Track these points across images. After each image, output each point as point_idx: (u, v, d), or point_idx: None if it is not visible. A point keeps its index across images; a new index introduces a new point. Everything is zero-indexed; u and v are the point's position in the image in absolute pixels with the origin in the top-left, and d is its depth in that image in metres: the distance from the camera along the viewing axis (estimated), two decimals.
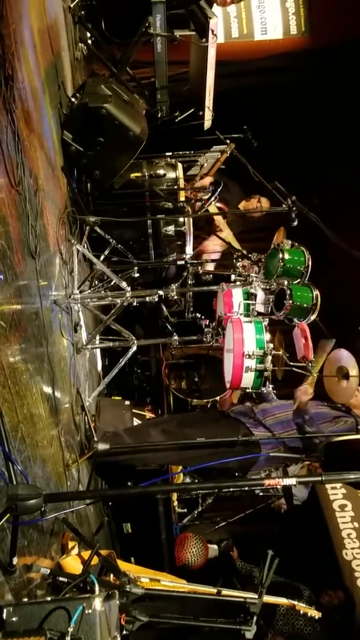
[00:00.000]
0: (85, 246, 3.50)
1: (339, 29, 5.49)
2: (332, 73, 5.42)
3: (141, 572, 2.76)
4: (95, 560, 2.29)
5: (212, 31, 3.83)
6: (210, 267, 4.25)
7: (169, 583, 2.62)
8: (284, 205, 3.45)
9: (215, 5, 4.23)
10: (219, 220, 4.45)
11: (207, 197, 4.10)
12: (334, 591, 3.97)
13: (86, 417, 3.24)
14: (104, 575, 2.30)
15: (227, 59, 4.90)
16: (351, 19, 5.39)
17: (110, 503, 3.73)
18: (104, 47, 4.00)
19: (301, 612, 2.83)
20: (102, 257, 3.68)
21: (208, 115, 4.13)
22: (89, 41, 3.97)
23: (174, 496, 4.24)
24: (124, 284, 3.27)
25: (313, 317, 3.21)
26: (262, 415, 3.37)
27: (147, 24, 3.76)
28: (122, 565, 2.64)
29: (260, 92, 5.23)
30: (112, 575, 2.28)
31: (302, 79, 5.44)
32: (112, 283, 3.46)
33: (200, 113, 4.15)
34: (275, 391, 3.22)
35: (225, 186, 4.35)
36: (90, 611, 1.59)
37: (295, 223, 3.46)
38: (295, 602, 2.78)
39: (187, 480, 4.27)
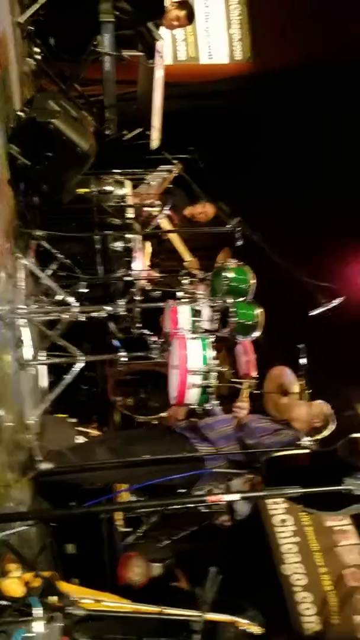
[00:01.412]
0: (32, 260, 3.46)
1: (281, 56, 5.72)
2: (276, 98, 5.63)
3: (84, 593, 2.70)
4: (37, 582, 2.24)
5: (159, 53, 3.91)
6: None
7: (112, 603, 2.59)
8: (228, 226, 3.54)
9: (162, 27, 4.34)
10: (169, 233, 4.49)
11: (155, 214, 4.15)
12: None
13: (29, 436, 3.17)
14: (46, 598, 2.24)
15: (174, 80, 5.01)
16: (293, 46, 5.64)
17: (53, 523, 3.65)
18: (53, 63, 4.01)
19: (243, 628, 2.85)
20: (48, 272, 3.64)
21: (155, 135, 4.19)
22: (38, 56, 3.97)
23: (118, 515, 4.19)
24: (70, 299, 3.25)
25: (257, 335, 3.29)
26: (206, 430, 3.40)
27: (95, 43, 3.81)
28: (65, 586, 2.58)
29: (206, 115, 5.37)
30: (54, 597, 2.23)
31: (246, 103, 5.63)
32: (58, 298, 3.42)
33: (148, 132, 4.21)
34: (220, 407, 3.26)
35: (171, 193, 4.41)
36: (31, 634, 1.55)
37: (240, 243, 3.55)
38: (237, 619, 2.80)
39: (132, 498, 4.23)
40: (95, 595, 2.68)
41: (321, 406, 3.36)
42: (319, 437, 3.16)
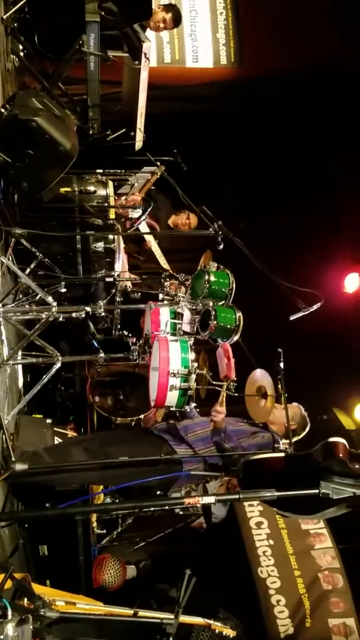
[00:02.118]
0: (10, 259, 3.42)
1: (266, 62, 5.77)
2: (259, 104, 5.68)
3: (57, 595, 2.68)
4: (8, 584, 2.21)
5: (145, 54, 3.91)
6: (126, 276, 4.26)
7: (85, 606, 2.57)
8: (210, 229, 3.55)
9: (148, 29, 4.34)
10: (149, 238, 4.50)
11: (137, 215, 4.14)
12: None
13: (4, 436, 3.14)
14: (18, 599, 2.21)
15: (159, 82, 5.01)
16: (279, 53, 5.69)
17: (26, 525, 3.61)
18: (36, 60, 3.98)
19: (216, 631, 2.85)
20: (27, 271, 3.60)
21: (139, 137, 4.19)
22: (21, 53, 3.94)
23: (94, 517, 4.17)
24: (49, 299, 3.22)
25: (236, 338, 3.31)
26: (184, 432, 3.40)
27: (80, 42, 3.79)
28: (37, 588, 2.55)
29: (190, 118, 5.38)
30: (25, 599, 2.20)
31: (230, 108, 5.66)
32: (37, 297, 3.40)
33: (132, 133, 4.20)
34: (198, 409, 3.27)
35: (154, 201, 4.41)
36: (1, 637, 1.53)
37: (221, 247, 3.56)
38: (211, 622, 2.79)
39: (108, 500, 4.21)
40: (69, 597, 2.65)
41: (297, 409, 3.39)
42: (294, 439, 3.19)
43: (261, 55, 5.81)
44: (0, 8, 3.63)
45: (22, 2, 3.59)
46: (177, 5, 4.83)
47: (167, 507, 4.09)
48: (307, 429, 3.36)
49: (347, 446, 1.92)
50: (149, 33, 4.31)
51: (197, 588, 2.40)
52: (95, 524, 4.28)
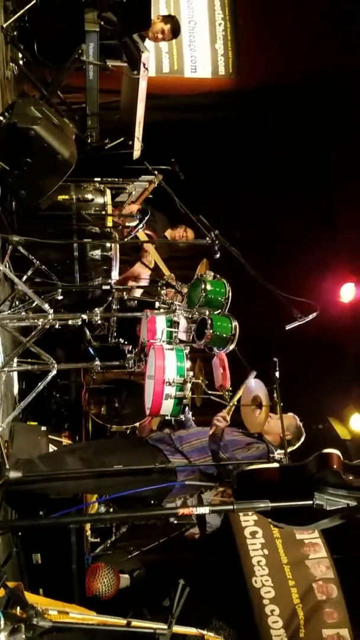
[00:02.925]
0: (7, 265, 3.42)
1: (264, 73, 5.82)
2: (257, 113, 5.72)
3: (50, 604, 2.66)
4: (1, 592, 2.20)
5: (144, 64, 3.94)
6: (137, 292, 4.29)
7: (78, 615, 2.55)
8: (207, 239, 3.56)
9: (147, 39, 4.38)
10: (148, 246, 4.51)
11: (134, 224, 4.16)
12: None
13: None
14: (10, 608, 2.20)
15: (158, 92, 5.05)
16: (276, 63, 5.74)
17: (19, 533, 3.59)
18: (36, 69, 4.01)
19: None
20: (24, 278, 3.61)
21: (137, 146, 4.21)
22: (21, 62, 3.96)
23: (88, 525, 4.15)
24: (46, 306, 3.22)
25: (232, 347, 3.31)
26: (179, 442, 3.40)
27: (80, 51, 3.82)
28: (30, 597, 2.54)
29: (188, 128, 5.41)
30: (18, 608, 2.19)
31: (228, 118, 5.70)
32: (34, 304, 3.40)
33: (130, 142, 4.23)
34: (194, 418, 3.27)
35: (152, 215, 4.43)
36: None
37: (218, 256, 3.58)
38: (204, 632, 2.78)
39: (102, 509, 4.19)
40: (62, 606, 2.64)
41: (292, 419, 3.39)
42: (289, 449, 3.19)
43: (259, 66, 5.87)
44: (0, 16, 3.65)
45: (22, 11, 3.62)
46: (176, 17, 4.85)
47: (161, 517, 4.09)
48: (302, 439, 3.36)
49: (341, 457, 1.92)
50: (148, 43, 4.34)
51: (191, 598, 2.39)
52: (89, 533, 4.26)
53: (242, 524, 4.47)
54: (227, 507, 1.92)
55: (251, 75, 5.90)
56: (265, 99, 5.71)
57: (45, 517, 3.20)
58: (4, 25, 3.64)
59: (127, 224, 4.22)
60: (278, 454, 3.12)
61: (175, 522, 4.50)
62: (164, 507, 3.29)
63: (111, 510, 4.11)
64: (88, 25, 3.71)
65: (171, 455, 3.29)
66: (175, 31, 4.54)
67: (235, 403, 3.26)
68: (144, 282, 4.56)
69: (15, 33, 3.76)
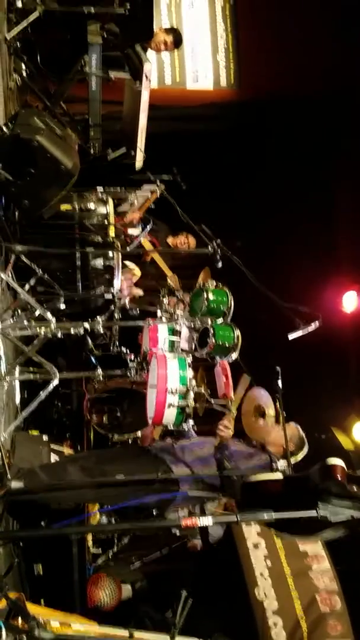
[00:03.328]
0: (10, 275, 3.43)
1: (265, 85, 5.87)
2: (257, 125, 5.76)
3: (51, 615, 2.65)
4: (2, 603, 2.18)
5: (146, 76, 3.97)
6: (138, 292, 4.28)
7: (80, 626, 2.53)
8: (209, 248, 3.57)
9: (149, 50, 4.41)
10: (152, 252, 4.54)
11: (136, 233, 4.17)
12: None
13: (0, 453, 3.12)
14: (12, 619, 2.18)
15: (160, 103, 5.09)
16: (277, 76, 5.79)
17: (21, 543, 3.57)
18: (39, 80, 4.04)
19: None
20: (27, 287, 3.62)
21: (140, 156, 4.24)
22: (24, 73, 3.99)
23: (89, 536, 4.12)
24: (48, 315, 3.23)
25: (234, 356, 3.30)
26: (181, 451, 3.38)
27: (83, 62, 3.85)
28: (32, 608, 2.52)
29: (190, 138, 5.45)
30: (20, 619, 2.17)
31: (229, 129, 5.74)
32: (36, 313, 3.40)
33: (132, 153, 4.25)
34: (195, 427, 3.25)
35: (154, 224, 4.44)
36: None
37: (220, 265, 3.58)
38: None
39: (104, 519, 4.17)
40: (64, 617, 2.62)
41: (295, 429, 3.38)
42: (293, 460, 3.16)
43: (260, 77, 5.92)
44: (4, 28, 3.69)
45: (25, 23, 3.65)
46: (178, 28, 4.90)
47: (164, 528, 4.06)
48: (305, 450, 3.34)
49: (345, 468, 1.91)
50: (150, 54, 4.38)
51: (193, 609, 2.37)
52: (90, 543, 4.24)
53: (244, 535, 4.44)
54: (231, 517, 1.91)
55: (252, 86, 5.95)
56: (266, 109, 5.75)
57: (46, 528, 3.19)
58: (8, 37, 3.68)
59: (129, 232, 4.23)
60: (281, 464, 3.10)
61: (178, 532, 4.49)
62: (166, 518, 3.26)
63: (113, 520, 4.09)
64: (91, 36, 3.75)
65: (174, 464, 3.27)
66: (177, 42, 4.58)
67: (235, 412, 3.24)
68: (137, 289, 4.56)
69: (18, 44, 3.81)
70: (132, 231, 4.27)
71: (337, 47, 5.67)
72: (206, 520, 1.87)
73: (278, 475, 2.37)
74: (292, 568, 4.29)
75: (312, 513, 1.84)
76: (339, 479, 1.86)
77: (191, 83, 5.95)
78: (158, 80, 5.73)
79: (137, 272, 4.45)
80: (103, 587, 3.90)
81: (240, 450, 3.34)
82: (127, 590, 4.22)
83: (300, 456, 3.30)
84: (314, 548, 4.39)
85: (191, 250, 4.55)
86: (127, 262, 4.41)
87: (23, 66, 3.96)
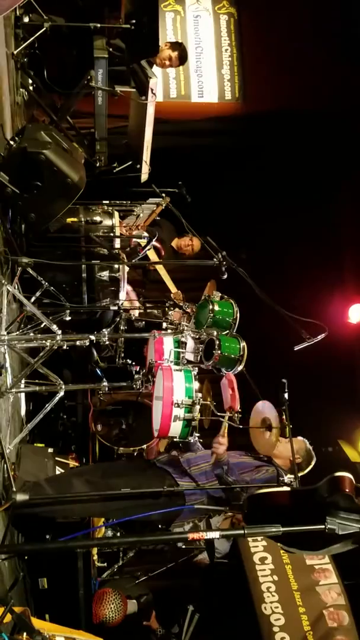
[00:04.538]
0: (16, 287, 3.44)
1: (270, 98, 5.91)
2: (263, 137, 5.79)
3: (56, 630, 2.62)
4: (7, 618, 2.16)
5: (152, 90, 4.01)
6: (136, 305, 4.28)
7: None
8: (214, 259, 3.58)
9: (155, 65, 4.46)
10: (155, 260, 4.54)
11: (142, 245, 4.19)
12: None
13: (5, 466, 3.11)
14: (17, 634, 2.16)
15: (165, 117, 5.13)
16: (282, 89, 5.82)
17: (26, 557, 3.55)
18: (45, 94, 4.08)
19: None
20: (33, 299, 3.63)
21: (145, 169, 4.26)
22: (30, 87, 4.04)
23: (94, 550, 4.09)
24: (54, 327, 3.23)
25: (240, 368, 3.29)
26: (187, 465, 3.36)
27: (89, 77, 3.89)
28: (37, 623, 2.50)
29: (195, 151, 5.48)
30: (25, 634, 2.15)
31: (234, 142, 5.77)
32: (42, 325, 3.41)
33: (138, 166, 4.27)
34: (201, 440, 3.23)
35: (158, 225, 4.45)
36: None
37: (225, 276, 3.58)
38: None
39: (109, 533, 4.14)
40: (69, 633, 2.59)
41: (302, 443, 3.35)
42: (300, 474, 3.13)
43: (265, 91, 5.95)
44: (11, 43, 3.74)
45: (32, 38, 3.70)
46: (184, 43, 4.94)
47: (169, 542, 4.03)
48: (313, 463, 3.31)
49: (353, 481, 1.90)
50: (156, 69, 4.42)
51: (200, 624, 2.35)
52: (96, 557, 4.21)
53: (251, 549, 4.39)
54: (238, 531, 1.89)
55: (257, 100, 5.98)
56: (271, 123, 5.78)
57: (52, 541, 3.17)
58: (15, 52, 3.73)
59: (134, 241, 4.25)
60: (288, 477, 3.07)
61: (184, 547, 4.45)
62: (172, 531, 3.24)
63: (118, 534, 4.06)
64: (97, 51, 3.79)
65: (180, 478, 3.25)
66: (183, 58, 4.62)
67: (227, 424, 3.20)
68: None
69: (25, 59, 3.85)
70: (137, 243, 4.29)
71: (341, 61, 5.71)
72: (212, 534, 1.86)
73: (285, 489, 2.35)
74: (299, 583, 4.24)
75: (320, 527, 1.82)
76: (347, 491, 1.85)
77: (196, 97, 6.00)
78: (163, 93, 5.77)
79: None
80: (108, 602, 3.86)
81: (246, 462, 3.32)
82: (132, 605, 4.18)
83: (307, 470, 3.28)
84: (321, 562, 4.35)
85: (197, 262, 4.56)
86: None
87: (30, 81, 4.01)
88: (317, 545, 2.00)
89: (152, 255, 4.49)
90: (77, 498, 3.16)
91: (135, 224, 4.61)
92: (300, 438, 3.35)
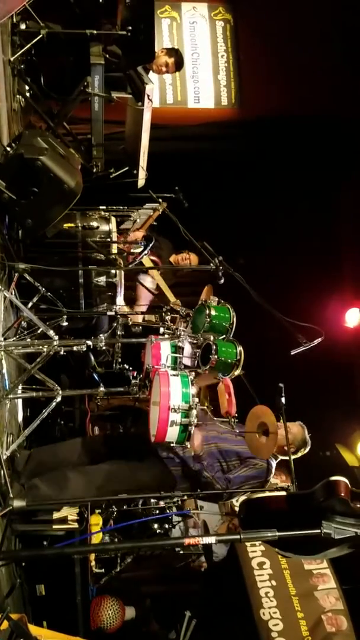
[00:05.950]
0: (13, 293, 3.45)
1: (266, 104, 5.94)
2: (259, 143, 5.81)
3: (54, 637, 2.62)
4: (5, 625, 2.16)
5: (148, 96, 4.03)
6: (138, 317, 4.30)
7: None
8: (211, 264, 3.59)
9: (151, 71, 4.48)
10: (153, 272, 4.55)
11: (139, 250, 4.19)
12: None
13: (2, 472, 3.10)
14: None
15: (162, 123, 5.14)
16: (278, 95, 5.86)
17: (23, 563, 3.53)
18: (42, 101, 4.10)
19: None
20: (30, 304, 3.63)
21: (142, 175, 4.28)
22: (27, 94, 4.05)
23: (92, 556, 4.07)
24: (51, 333, 3.23)
25: (237, 373, 3.29)
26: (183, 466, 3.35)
27: (85, 83, 3.91)
28: (34, 630, 2.50)
29: (192, 157, 5.50)
30: None
31: (230, 147, 5.80)
32: (39, 331, 3.41)
33: (135, 172, 4.29)
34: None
35: (156, 241, 4.46)
36: None
37: (222, 281, 3.59)
38: None
39: (107, 539, 4.13)
40: (66, 639, 2.59)
41: (300, 428, 3.29)
42: (293, 457, 3.06)
43: (261, 96, 5.99)
44: (8, 50, 3.75)
45: (28, 45, 3.72)
46: (180, 50, 4.97)
47: (167, 547, 4.02)
48: (308, 448, 3.28)
49: (349, 485, 1.90)
50: (152, 75, 4.44)
51: (198, 630, 2.35)
52: (93, 563, 4.19)
53: (249, 554, 4.39)
54: (234, 536, 1.89)
55: (253, 105, 6.02)
56: (267, 128, 5.81)
57: (49, 547, 3.16)
58: (12, 59, 3.74)
59: (131, 250, 4.26)
60: (283, 481, 3.06)
61: (181, 552, 4.43)
62: (170, 537, 3.23)
63: (116, 540, 4.05)
64: (93, 58, 3.81)
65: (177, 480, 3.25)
66: (179, 64, 4.64)
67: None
68: (144, 307, 4.57)
69: (22, 66, 3.87)
70: (134, 249, 4.30)
71: (337, 66, 5.74)
72: (209, 539, 1.86)
73: (281, 493, 2.35)
74: (297, 588, 4.24)
75: (316, 531, 1.82)
76: (343, 496, 1.85)
77: (192, 102, 6.03)
78: (160, 99, 5.80)
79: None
80: (106, 608, 3.86)
81: (237, 450, 3.29)
82: (130, 611, 4.17)
83: (300, 454, 3.23)
84: (319, 567, 4.34)
85: (193, 267, 4.57)
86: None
87: (27, 87, 4.03)
88: (314, 550, 2.00)
89: (148, 263, 4.50)
90: (75, 499, 3.16)
91: (133, 229, 4.63)
92: (298, 423, 3.31)
